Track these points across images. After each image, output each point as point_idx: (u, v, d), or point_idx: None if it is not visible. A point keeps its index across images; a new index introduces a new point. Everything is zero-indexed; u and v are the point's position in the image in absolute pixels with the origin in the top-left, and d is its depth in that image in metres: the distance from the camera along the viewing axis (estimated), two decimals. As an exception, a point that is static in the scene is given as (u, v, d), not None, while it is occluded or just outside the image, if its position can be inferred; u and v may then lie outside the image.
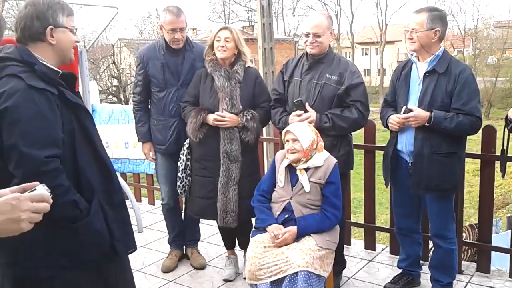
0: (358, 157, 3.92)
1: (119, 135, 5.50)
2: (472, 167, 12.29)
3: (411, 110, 2.90)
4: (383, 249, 4.10)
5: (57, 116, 1.81)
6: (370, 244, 4.11)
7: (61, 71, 1.95)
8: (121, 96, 23.65)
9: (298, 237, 2.79)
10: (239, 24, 36.41)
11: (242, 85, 3.34)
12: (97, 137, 2.00)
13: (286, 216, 2.87)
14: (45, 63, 1.88)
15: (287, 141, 2.87)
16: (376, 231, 4.19)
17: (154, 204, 5.60)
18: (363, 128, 3.52)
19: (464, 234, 4.54)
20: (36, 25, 1.87)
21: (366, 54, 44.46)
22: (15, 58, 1.82)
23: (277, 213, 2.90)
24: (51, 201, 1.32)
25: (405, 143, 3.03)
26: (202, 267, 3.83)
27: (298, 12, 34.67)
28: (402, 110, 2.94)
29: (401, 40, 40.97)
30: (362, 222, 4.18)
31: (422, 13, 2.91)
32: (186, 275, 3.73)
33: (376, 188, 4.05)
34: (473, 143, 7.46)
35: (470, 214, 11.12)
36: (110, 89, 24.64)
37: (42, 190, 1.30)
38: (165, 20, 3.43)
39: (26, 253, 1.85)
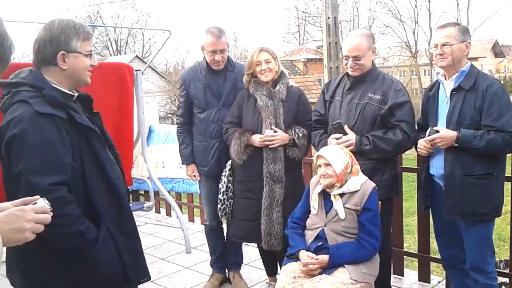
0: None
1: (174, 155, 5.57)
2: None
3: (437, 131, 2.68)
4: (439, 282, 3.76)
5: (65, 142, 1.80)
6: (424, 276, 3.78)
7: (76, 94, 1.96)
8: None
9: (331, 267, 2.61)
10: (312, 44, 36.40)
11: (285, 103, 3.25)
12: (108, 161, 1.96)
13: (319, 244, 2.70)
14: (57, 86, 1.88)
15: (319, 166, 2.73)
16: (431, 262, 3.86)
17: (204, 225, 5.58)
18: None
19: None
20: (48, 49, 1.87)
21: (446, 71, 42.60)
22: (27, 83, 1.83)
23: (310, 241, 2.75)
24: (51, 213, 1.41)
25: (436, 166, 2.80)
26: (243, 293, 3.72)
27: (375, 30, 34.03)
28: (428, 132, 2.73)
29: (485, 57, 39.01)
30: (416, 251, 3.87)
31: (449, 27, 2.74)
32: (225, 300, 3.64)
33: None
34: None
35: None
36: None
37: (42, 203, 1.41)
38: (206, 42, 3.43)
39: (37, 285, 1.87)
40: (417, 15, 35.25)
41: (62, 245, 1.76)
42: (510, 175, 3.16)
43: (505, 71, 40.24)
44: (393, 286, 3.36)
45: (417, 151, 2.93)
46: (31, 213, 1.33)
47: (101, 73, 3.74)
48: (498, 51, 42.31)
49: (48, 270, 1.84)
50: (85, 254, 1.80)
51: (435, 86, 2.90)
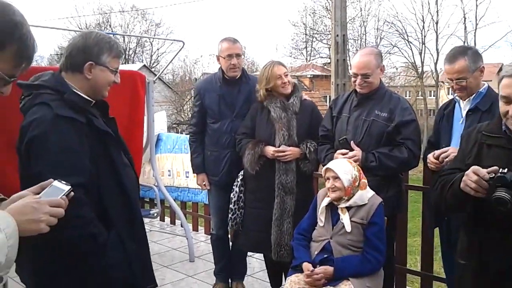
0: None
1: (180, 164, 5.65)
2: None
3: None
4: (441, 301, 3.79)
5: (84, 145, 1.85)
6: (426, 295, 3.81)
7: (93, 100, 2.02)
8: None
9: (336, 279, 2.65)
10: (319, 61, 36.53)
11: (298, 116, 3.32)
12: (123, 166, 2.01)
13: (325, 256, 2.74)
14: (78, 92, 1.95)
15: (328, 178, 2.78)
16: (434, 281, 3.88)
17: (210, 234, 5.62)
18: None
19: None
20: (79, 57, 1.94)
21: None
22: (49, 86, 1.89)
23: (316, 253, 2.79)
24: (67, 201, 1.45)
25: None
26: (245, 303, 3.75)
27: (382, 49, 34.14)
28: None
29: (491, 80, 38.95)
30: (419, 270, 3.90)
31: (459, 59, 2.72)
32: (227, 310, 3.67)
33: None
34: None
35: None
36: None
37: (58, 184, 1.47)
38: (221, 48, 3.53)
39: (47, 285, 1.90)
40: (425, 37, 35.27)
41: (72, 247, 1.79)
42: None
43: (510, 95, 40.16)
44: (394, 302, 3.39)
45: (425, 167, 2.95)
46: (46, 206, 1.37)
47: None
48: (504, 75, 42.32)
49: (57, 269, 1.86)
50: (93, 257, 1.83)
51: (450, 105, 2.93)
